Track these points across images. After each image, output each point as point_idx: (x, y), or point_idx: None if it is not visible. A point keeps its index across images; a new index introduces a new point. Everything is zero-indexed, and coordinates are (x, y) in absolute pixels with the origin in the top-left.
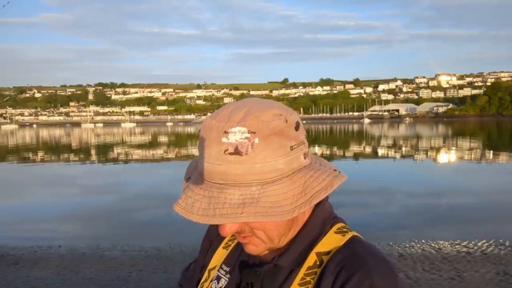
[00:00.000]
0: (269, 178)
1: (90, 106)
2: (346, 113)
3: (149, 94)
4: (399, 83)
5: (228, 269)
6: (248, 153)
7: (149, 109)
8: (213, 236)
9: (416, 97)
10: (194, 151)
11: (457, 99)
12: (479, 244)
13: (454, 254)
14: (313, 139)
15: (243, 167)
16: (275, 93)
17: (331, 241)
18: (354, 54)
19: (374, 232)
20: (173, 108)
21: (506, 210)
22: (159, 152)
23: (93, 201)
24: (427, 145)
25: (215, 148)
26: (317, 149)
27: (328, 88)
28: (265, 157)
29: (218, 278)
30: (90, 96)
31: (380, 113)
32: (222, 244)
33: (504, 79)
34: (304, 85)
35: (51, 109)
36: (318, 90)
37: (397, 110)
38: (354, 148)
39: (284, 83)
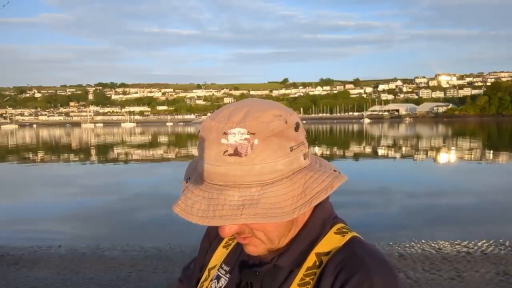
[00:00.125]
0: (269, 179)
1: (90, 106)
2: (346, 113)
3: (149, 94)
4: (399, 83)
5: (228, 269)
6: (247, 154)
7: (149, 109)
8: (213, 235)
9: (416, 97)
10: (194, 151)
11: (457, 99)
12: (479, 244)
13: (454, 254)
14: (313, 139)
15: (243, 168)
16: (275, 93)
17: (330, 241)
18: (354, 54)
19: (374, 232)
20: (173, 108)
21: (506, 210)
22: (159, 152)
23: (93, 201)
24: (427, 145)
25: (214, 149)
26: (317, 149)
27: (328, 88)
28: (264, 158)
29: (218, 278)
30: (90, 96)
31: (380, 113)
32: (222, 243)
33: (504, 79)
34: (304, 85)
35: (51, 109)
36: (318, 90)
37: (397, 110)
38: (354, 148)
39: (284, 83)
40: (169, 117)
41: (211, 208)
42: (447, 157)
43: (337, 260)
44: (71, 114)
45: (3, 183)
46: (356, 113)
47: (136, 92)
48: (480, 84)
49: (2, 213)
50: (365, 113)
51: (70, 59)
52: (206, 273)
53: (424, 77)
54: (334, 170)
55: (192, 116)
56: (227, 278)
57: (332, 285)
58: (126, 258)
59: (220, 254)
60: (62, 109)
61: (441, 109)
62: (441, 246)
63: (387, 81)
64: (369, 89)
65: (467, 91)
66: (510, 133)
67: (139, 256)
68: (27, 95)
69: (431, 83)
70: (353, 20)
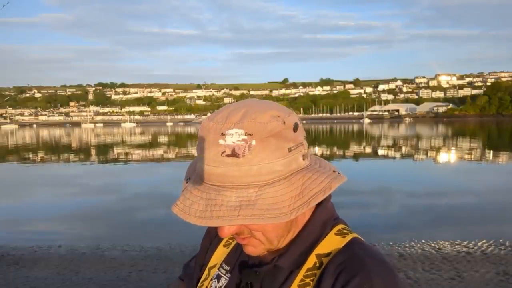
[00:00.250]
0: (267, 180)
1: (90, 106)
2: (346, 113)
3: (149, 94)
4: (399, 83)
5: (228, 268)
6: (245, 155)
7: (149, 109)
8: (213, 234)
9: (416, 97)
10: (194, 151)
11: (457, 99)
12: (479, 244)
13: (454, 254)
14: (313, 139)
15: (240, 169)
16: (275, 93)
17: (331, 242)
18: (354, 54)
19: (374, 232)
20: (173, 108)
21: (506, 210)
22: (159, 152)
23: (93, 201)
24: (427, 145)
25: (212, 150)
26: (317, 149)
27: (328, 88)
28: (262, 159)
29: (218, 277)
30: (90, 96)
31: (380, 113)
32: (223, 242)
33: (504, 79)
34: (304, 85)
35: (51, 109)
36: (318, 90)
37: (397, 110)
38: (354, 148)
39: (284, 83)
40: (169, 117)
41: (209, 209)
42: (447, 157)
43: (338, 262)
44: (71, 114)
45: (3, 183)
46: (356, 113)
47: (136, 92)
48: (480, 84)
49: (2, 213)
50: (365, 113)
51: (70, 59)
52: (206, 272)
53: (424, 77)
54: (334, 171)
55: (192, 116)
56: (227, 278)
57: (332, 286)
58: (126, 258)
59: (220, 253)
60: (62, 109)
61: (441, 109)
62: (441, 246)
63: (387, 81)
64: (369, 89)
65: (467, 91)
66: (510, 133)
67: (139, 256)
68: (27, 95)
69: (431, 83)
70: (353, 20)
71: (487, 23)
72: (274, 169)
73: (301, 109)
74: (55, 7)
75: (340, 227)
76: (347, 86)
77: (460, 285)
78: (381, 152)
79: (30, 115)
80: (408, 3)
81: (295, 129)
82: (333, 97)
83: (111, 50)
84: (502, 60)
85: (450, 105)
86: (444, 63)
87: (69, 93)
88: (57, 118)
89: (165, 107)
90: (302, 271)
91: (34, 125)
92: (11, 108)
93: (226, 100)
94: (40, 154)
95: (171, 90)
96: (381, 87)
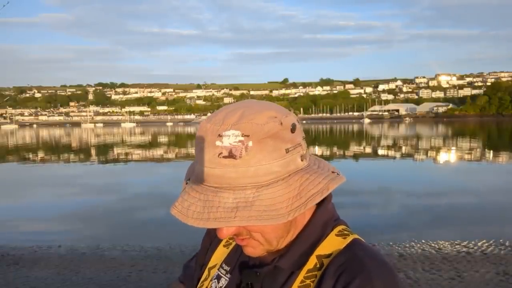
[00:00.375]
0: (264, 181)
1: (90, 106)
2: (346, 113)
3: (149, 94)
4: (399, 83)
5: (228, 269)
6: (242, 157)
7: (149, 109)
8: (213, 234)
9: (416, 97)
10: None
11: (457, 99)
12: (479, 244)
13: (454, 254)
14: (313, 139)
15: (237, 170)
16: (275, 93)
17: (332, 243)
18: (354, 54)
19: (374, 232)
20: (173, 108)
21: (506, 210)
22: (159, 152)
23: (93, 201)
24: (427, 145)
25: (209, 151)
26: (317, 149)
27: (328, 88)
28: (259, 160)
29: (218, 278)
30: (90, 96)
31: (380, 113)
32: (223, 242)
33: (504, 79)
34: (304, 85)
35: (51, 109)
36: (318, 90)
37: (397, 110)
38: (354, 148)
39: (284, 83)
40: (169, 117)
41: (206, 210)
42: (447, 157)
43: (338, 263)
44: (71, 114)
45: (3, 183)
46: (356, 113)
47: (136, 92)
48: (480, 84)
49: (2, 213)
50: (365, 113)
51: (70, 59)
52: (206, 272)
53: (424, 77)
54: (333, 171)
55: (192, 116)
56: (227, 278)
57: (332, 287)
58: (126, 258)
59: (220, 253)
60: (62, 109)
61: (441, 109)
62: (441, 246)
63: (387, 81)
64: (369, 89)
65: (467, 91)
66: (510, 133)
67: (139, 256)
68: (27, 95)
69: (431, 83)
70: (353, 20)
71: (487, 23)
72: (271, 170)
73: (301, 109)
74: (55, 7)
75: (340, 228)
76: (347, 86)
77: (460, 285)
78: (381, 152)
79: (30, 115)
80: (408, 3)
81: (293, 130)
82: (333, 97)
83: (111, 50)
84: (502, 60)
85: (450, 105)
86: (444, 63)
87: (69, 93)
88: (57, 118)
89: (165, 107)
90: (303, 272)
91: (34, 125)
92: (11, 108)
93: (226, 100)
94: (40, 154)
95: (171, 90)
96: (381, 87)
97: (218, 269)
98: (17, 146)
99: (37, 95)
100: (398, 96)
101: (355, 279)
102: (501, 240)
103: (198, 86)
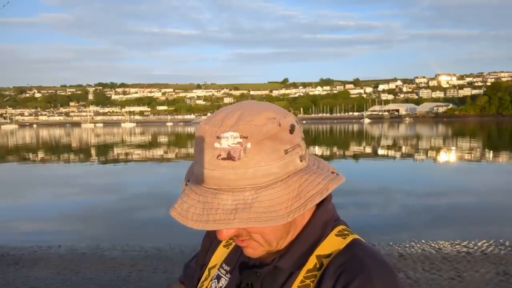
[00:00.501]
0: (263, 183)
1: (90, 106)
2: (346, 113)
3: (149, 94)
4: (399, 83)
5: (228, 269)
6: (240, 158)
7: (149, 109)
8: (213, 235)
9: (416, 97)
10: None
11: (457, 99)
12: (479, 244)
13: (454, 254)
14: (313, 139)
15: (236, 172)
16: (275, 93)
17: (331, 243)
18: (354, 54)
19: (374, 232)
20: (173, 108)
21: (506, 210)
22: (159, 152)
23: (93, 201)
24: (427, 145)
25: (208, 153)
26: (317, 149)
27: (328, 88)
28: (258, 162)
29: (218, 278)
30: (90, 96)
31: (380, 113)
32: (223, 243)
33: (504, 79)
34: (304, 85)
35: (51, 109)
36: (318, 90)
37: (397, 110)
38: (354, 148)
39: (284, 83)
40: (169, 117)
41: (205, 212)
42: (447, 157)
43: (338, 263)
44: (71, 114)
45: (3, 183)
46: (356, 113)
47: (136, 92)
48: (480, 84)
49: (2, 213)
50: (365, 113)
51: (70, 59)
52: (206, 272)
53: (424, 77)
54: (332, 172)
55: (192, 116)
56: (227, 278)
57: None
58: (126, 258)
59: (220, 253)
60: (62, 109)
61: (441, 109)
62: (441, 246)
63: (387, 81)
64: (369, 89)
65: (467, 91)
66: (510, 133)
67: (139, 256)
68: (27, 95)
69: (431, 83)
70: (353, 20)
71: (487, 23)
72: (270, 172)
73: (301, 109)
74: (55, 7)
75: (340, 228)
76: (347, 86)
77: (460, 285)
78: (381, 152)
79: (30, 115)
80: (408, 3)
81: (292, 130)
82: (333, 97)
83: (111, 50)
84: (502, 60)
85: (450, 105)
86: (444, 63)
87: (69, 93)
88: (57, 118)
89: (165, 107)
90: (303, 272)
91: (34, 125)
92: (11, 108)
93: (226, 100)
94: (40, 154)
95: (171, 90)
96: (381, 87)
97: (218, 269)
98: (17, 146)
99: (37, 95)
100: (398, 96)
101: (355, 279)
102: (501, 240)
103: (198, 86)
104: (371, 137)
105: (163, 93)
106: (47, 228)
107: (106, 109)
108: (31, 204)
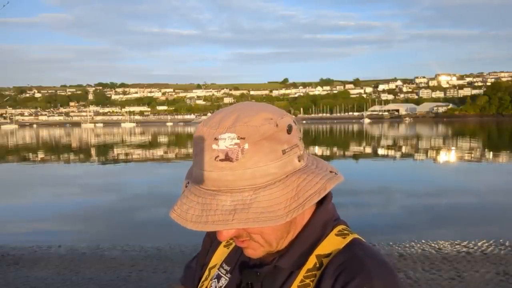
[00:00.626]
0: (261, 183)
1: (90, 106)
2: (346, 113)
3: (149, 94)
4: (399, 83)
5: (228, 269)
6: (238, 159)
7: (149, 109)
8: (213, 235)
9: (416, 97)
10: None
11: (457, 99)
12: (479, 244)
13: (454, 254)
14: (313, 139)
15: (234, 173)
16: (275, 93)
17: (331, 243)
18: (354, 54)
19: (374, 232)
20: (173, 108)
21: (506, 210)
22: (159, 152)
23: (93, 201)
24: (427, 145)
25: (206, 155)
26: (317, 149)
27: (328, 88)
28: (256, 162)
29: (218, 277)
30: (90, 96)
31: (380, 113)
32: (223, 243)
33: (504, 79)
34: (304, 85)
35: (51, 109)
36: (318, 90)
37: (397, 110)
38: (354, 148)
39: (284, 83)
40: (169, 117)
41: (204, 214)
42: (447, 157)
43: (338, 262)
44: (71, 114)
45: (3, 183)
46: (356, 113)
47: (136, 92)
48: (480, 84)
49: (2, 213)
50: (365, 113)
51: (70, 59)
52: (206, 272)
53: (424, 77)
54: (331, 171)
55: (192, 116)
56: (227, 278)
57: (332, 287)
58: (126, 258)
59: (220, 253)
60: (62, 109)
61: (441, 109)
62: (441, 246)
63: (387, 81)
64: (369, 89)
65: (467, 91)
66: (510, 133)
67: (139, 256)
68: (27, 95)
69: (431, 83)
70: (353, 20)
71: (487, 23)
72: (268, 172)
73: (301, 109)
74: (55, 7)
75: (340, 227)
76: (347, 86)
77: (460, 285)
78: (381, 152)
79: (30, 115)
80: (408, 3)
81: (289, 131)
82: (333, 97)
83: (111, 50)
84: (502, 60)
85: (450, 105)
86: (444, 63)
87: (69, 93)
88: (57, 118)
89: (165, 107)
90: (302, 272)
91: (34, 125)
92: (11, 108)
93: (226, 100)
94: (40, 154)
95: (171, 90)
96: (381, 87)
97: (218, 269)
98: (17, 146)
99: (37, 95)
100: (398, 96)
101: (354, 278)
102: (501, 240)
103: (198, 86)
104: (371, 137)
105: (163, 93)
106: (47, 228)
107: (106, 109)
108: (31, 204)
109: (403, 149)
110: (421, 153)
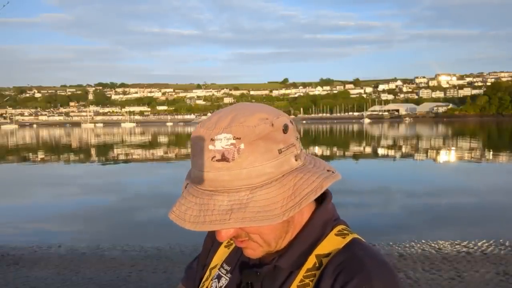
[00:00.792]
0: (258, 183)
1: (90, 106)
2: (346, 113)
3: (149, 94)
4: (399, 83)
5: (229, 269)
6: (234, 159)
7: (149, 109)
8: (214, 235)
9: (416, 97)
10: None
11: (457, 99)
12: (479, 244)
13: (454, 254)
14: (313, 139)
15: (231, 173)
16: (275, 93)
17: (331, 243)
18: (354, 54)
19: (374, 232)
20: (173, 108)
21: (506, 210)
22: (159, 152)
23: (93, 201)
24: (427, 145)
25: (203, 155)
26: (317, 149)
27: (328, 88)
28: (252, 162)
29: (218, 277)
30: (90, 96)
31: (380, 113)
32: (224, 243)
33: (504, 79)
34: (304, 85)
35: (51, 109)
36: (318, 90)
37: (397, 110)
38: (354, 148)
39: (284, 83)
40: (169, 117)
41: (202, 214)
42: (447, 157)
43: (337, 262)
44: (71, 114)
45: (3, 183)
46: (356, 113)
47: (136, 92)
48: (480, 84)
49: (2, 213)
50: (365, 113)
51: (70, 59)
52: (207, 272)
53: (424, 77)
54: (328, 170)
55: (192, 116)
56: (227, 278)
57: (331, 287)
58: (126, 258)
59: (221, 253)
60: (62, 109)
61: (441, 109)
62: (441, 246)
63: (387, 81)
64: (369, 89)
65: (467, 91)
66: (510, 133)
67: (139, 256)
68: (27, 95)
69: (431, 83)
70: (353, 20)
71: (487, 23)
72: (264, 172)
73: (301, 109)
74: (55, 7)
75: (340, 227)
76: (347, 86)
77: (460, 285)
78: (381, 152)
79: (30, 115)
80: (408, 3)
81: (285, 130)
82: (333, 97)
83: (111, 50)
84: (502, 60)
85: (450, 105)
86: (444, 63)
87: (69, 93)
88: (57, 118)
89: (165, 107)
90: (302, 272)
91: (34, 125)
92: (11, 108)
93: (226, 100)
94: (40, 155)
95: (171, 90)
96: (381, 87)
97: (219, 269)
98: (17, 146)
99: (37, 95)
100: (398, 96)
101: (353, 278)
102: (501, 240)
103: (198, 86)
104: (371, 137)
105: (163, 93)
106: (47, 228)
107: (106, 109)
108: (31, 204)
109: (403, 149)
110: (421, 153)
